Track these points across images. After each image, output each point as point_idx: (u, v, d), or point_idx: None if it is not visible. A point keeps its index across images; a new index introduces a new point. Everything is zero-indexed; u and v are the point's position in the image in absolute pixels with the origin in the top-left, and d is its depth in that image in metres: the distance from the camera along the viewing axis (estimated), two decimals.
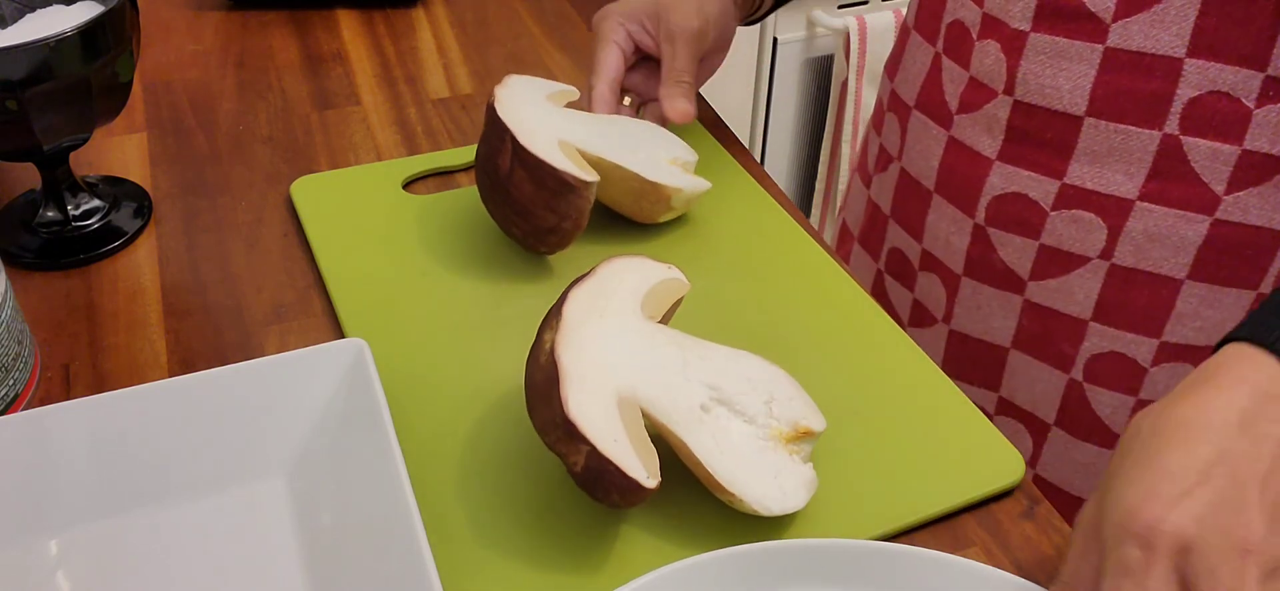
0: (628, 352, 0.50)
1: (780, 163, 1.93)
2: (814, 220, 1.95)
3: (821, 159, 1.87)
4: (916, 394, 0.57)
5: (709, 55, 0.75)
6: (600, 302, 0.51)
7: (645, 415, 0.49)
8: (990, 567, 0.46)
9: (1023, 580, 0.45)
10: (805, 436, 0.51)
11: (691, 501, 0.51)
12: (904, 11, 0.80)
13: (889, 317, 0.62)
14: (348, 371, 0.52)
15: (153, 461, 0.50)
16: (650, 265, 0.55)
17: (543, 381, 0.48)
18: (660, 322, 0.53)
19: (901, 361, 0.60)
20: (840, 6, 1.76)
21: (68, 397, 0.57)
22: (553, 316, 0.50)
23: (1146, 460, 0.42)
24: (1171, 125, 0.61)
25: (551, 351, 0.48)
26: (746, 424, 0.50)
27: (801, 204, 1.99)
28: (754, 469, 0.49)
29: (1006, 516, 0.52)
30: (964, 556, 0.47)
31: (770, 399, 0.51)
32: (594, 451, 0.45)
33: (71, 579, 0.48)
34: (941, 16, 0.72)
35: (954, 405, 0.57)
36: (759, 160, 1.86)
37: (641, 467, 0.46)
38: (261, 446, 0.52)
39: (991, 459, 0.54)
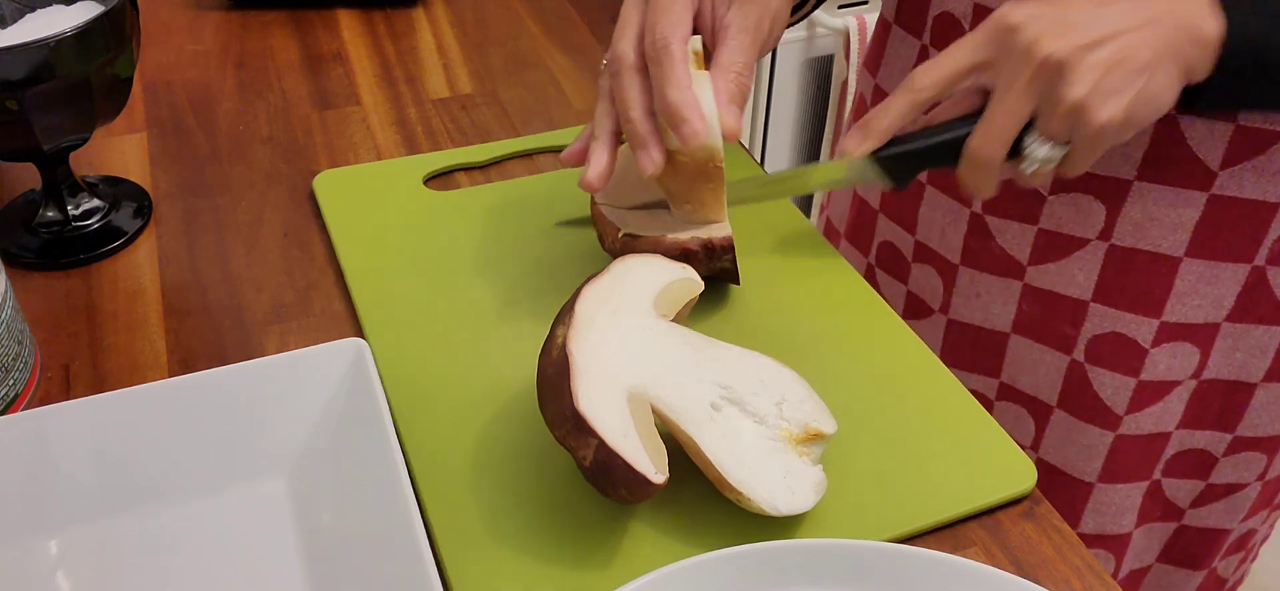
0: (639, 349, 0.50)
1: (781, 163, 1.93)
2: (814, 220, 1.95)
3: (821, 159, 1.87)
4: (929, 398, 0.57)
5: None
6: (613, 300, 0.51)
7: (655, 412, 0.49)
8: (990, 567, 0.46)
9: (1023, 580, 0.45)
10: (815, 438, 0.51)
11: (700, 500, 0.51)
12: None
13: (902, 322, 0.62)
14: (348, 371, 0.52)
15: (153, 461, 0.50)
16: (663, 264, 0.55)
17: (554, 375, 0.48)
18: (672, 321, 0.53)
19: (914, 365, 0.59)
20: (840, 6, 1.76)
21: (68, 397, 0.57)
22: (566, 312, 0.50)
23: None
24: None
25: (563, 346, 0.48)
26: (757, 424, 0.50)
27: (802, 204, 1.99)
28: (763, 469, 0.49)
29: (1006, 516, 0.52)
30: (964, 556, 0.47)
31: (781, 400, 0.51)
32: (603, 445, 0.45)
33: (71, 579, 0.48)
34: (928, 10, 0.71)
35: (967, 411, 0.57)
36: (759, 160, 1.85)
37: (650, 463, 0.46)
38: (261, 446, 0.52)
39: (1003, 466, 0.54)
